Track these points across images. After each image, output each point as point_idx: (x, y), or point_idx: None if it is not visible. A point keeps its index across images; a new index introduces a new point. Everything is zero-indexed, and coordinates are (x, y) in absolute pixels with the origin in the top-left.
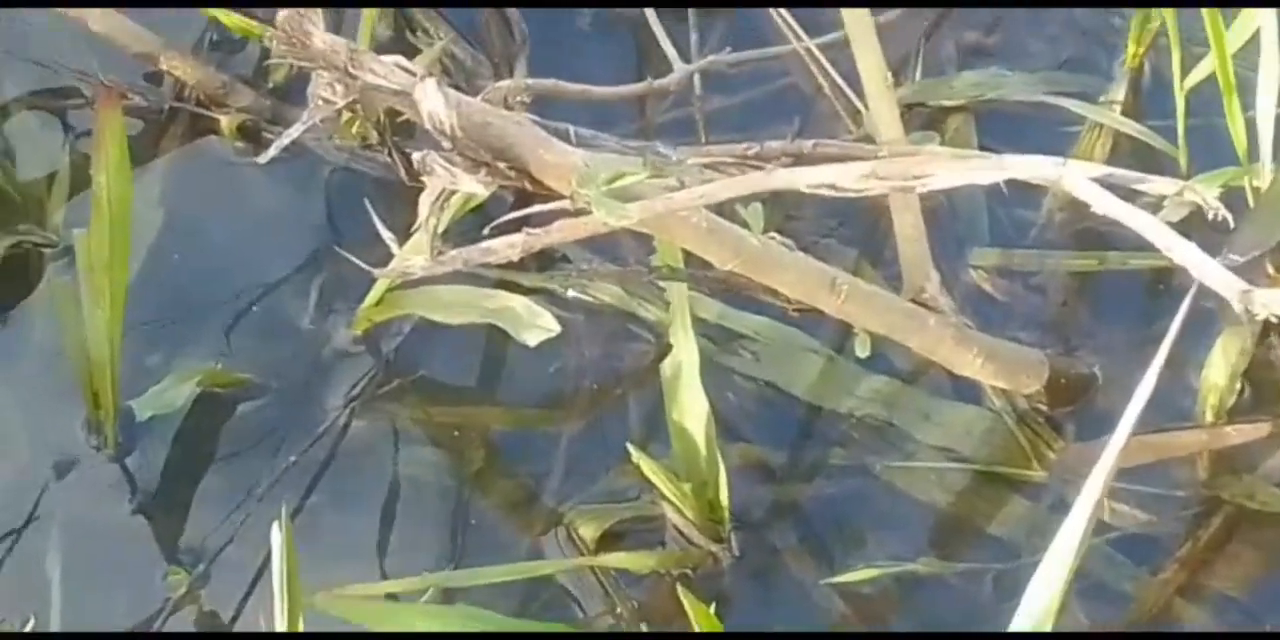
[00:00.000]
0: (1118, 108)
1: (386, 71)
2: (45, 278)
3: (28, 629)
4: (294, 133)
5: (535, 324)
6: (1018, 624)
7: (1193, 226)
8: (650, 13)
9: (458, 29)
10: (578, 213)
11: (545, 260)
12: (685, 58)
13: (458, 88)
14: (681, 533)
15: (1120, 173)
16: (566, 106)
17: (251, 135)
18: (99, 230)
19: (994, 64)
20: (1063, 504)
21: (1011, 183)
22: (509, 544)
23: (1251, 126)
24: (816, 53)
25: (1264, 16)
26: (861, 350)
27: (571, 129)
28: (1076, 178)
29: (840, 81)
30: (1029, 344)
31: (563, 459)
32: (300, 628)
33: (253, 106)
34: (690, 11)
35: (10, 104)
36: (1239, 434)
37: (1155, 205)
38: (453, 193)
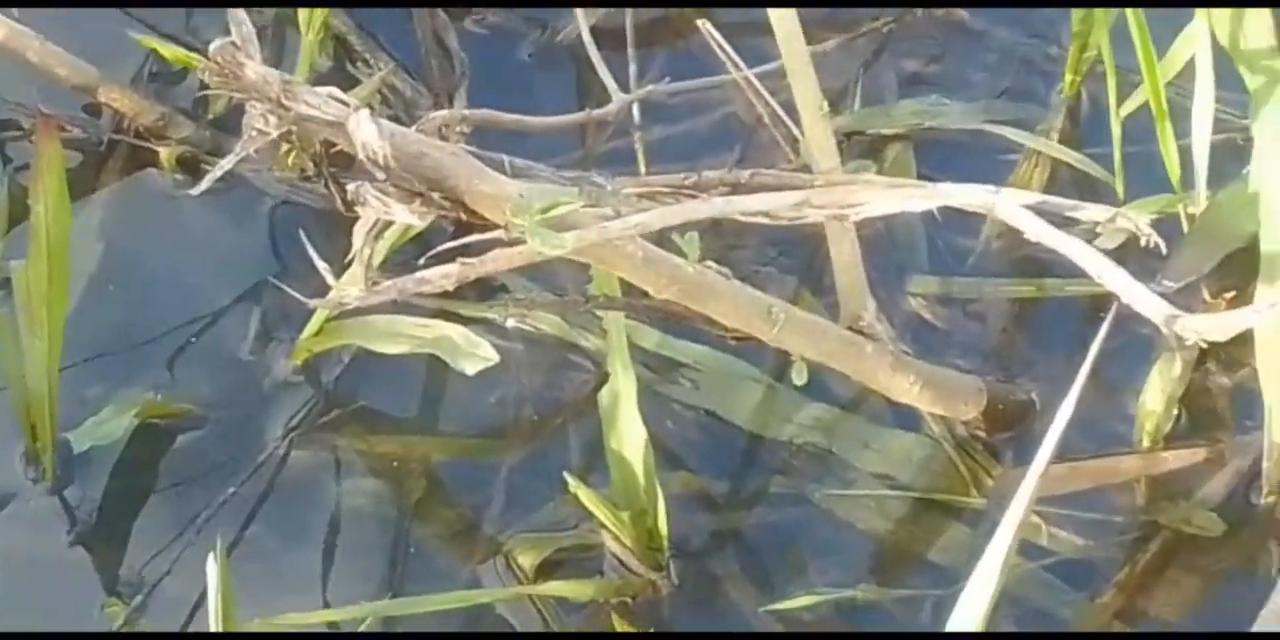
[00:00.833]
0: (1056, 136)
1: (320, 102)
2: None
3: None
4: (227, 164)
5: (473, 353)
6: None
7: (1130, 253)
8: (590, 43)
9: (398, 60)
10: (513, 243)
11: (484, 290)
12: (625, 88)
13: (397, 119)
14: (620, 561)
15: (1053, 200)
16: (507, 138)
17: (191, 167)
18: (37, 262)
19: (933, 93)
20: None
21: (949, 211)
22: (448, 573)
23: (1187, 154)
24: (755, 82)
25: (1199, 46)
26: (798, 378)
27: (506, 159)
28: (1009, 205)
29: (779, 111)
30: (968, 371)
31: (502, 488)
32: None
33: (192, 138)
34: (630, 42)
35: None
36: (1176, 460)
37: (1094, 233)
38: (387, 223)
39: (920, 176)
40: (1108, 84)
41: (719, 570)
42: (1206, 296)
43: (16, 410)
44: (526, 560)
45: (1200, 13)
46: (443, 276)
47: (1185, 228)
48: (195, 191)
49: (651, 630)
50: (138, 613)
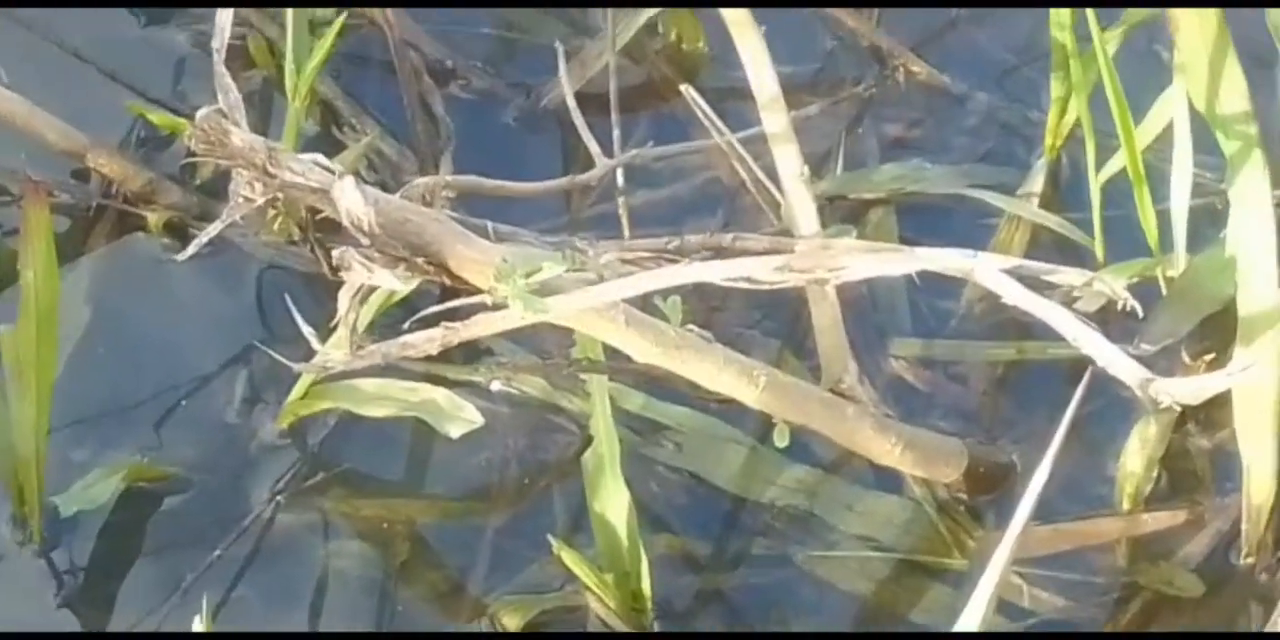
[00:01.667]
0: (1036, 200)
1: (304, 169)
2: None
3: None
4: (214, 230)
5: (458, 416)
6: None
7: (1110, 316)
8: (574, 108)
9: (384, 125)
10: (497, 307)
11: (470, 353)
12: (609, 153)
13: (383, 184)
14: (605, 623)
15: (1031, 264)
16: (493, 203)
17: (179, 232)
18: (26, 327)
19: (915, 157)
20: None
21: (931, 274)
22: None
23: (1166, 217)
24: (738, 147)
25: (1176, 111)
26: (780, 440)
27: (490, 225)
28: (988, 270)
29: (762, 175)
30: (950, 433)
31: (487, 550)
32: None
33: (180, 203)
34: (614, 107)
35: None
36: (1156, 521)
37: (1074, 296)
38: (372, 288)
39: (902, 240)
40: (1087, 148)
41: (702, 631)
42: (1186, 359)
43: (4, 474)
44: (512, 622)
45: (1178, 78)
46: (427, 341)
47: (1164, 291)
48: (182, 257)
49: None
50: None
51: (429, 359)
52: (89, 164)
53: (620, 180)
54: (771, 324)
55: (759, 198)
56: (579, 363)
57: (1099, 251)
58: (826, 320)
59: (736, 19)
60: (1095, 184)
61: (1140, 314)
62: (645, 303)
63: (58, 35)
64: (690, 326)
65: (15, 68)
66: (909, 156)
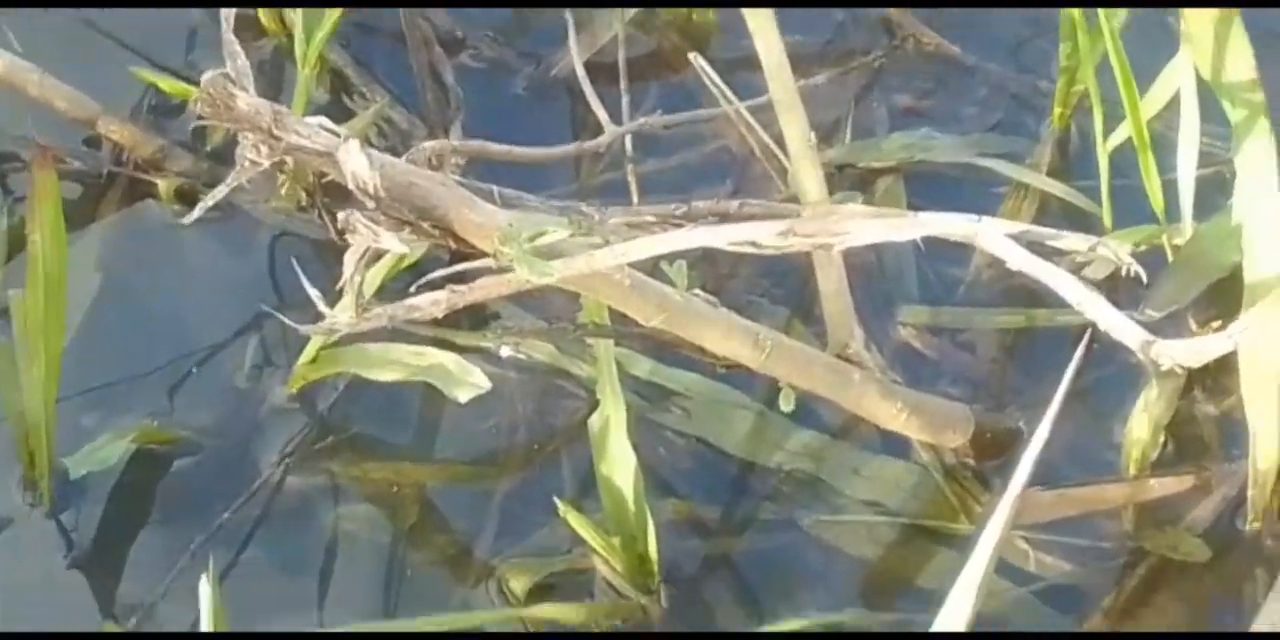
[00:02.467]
0: (1045, 168)
1: (310, 132)
2: None
3: None
4: (220, 193)
5: (466, 381)
6: None
7: (1117, 285)
8: (584, 77)
9: (394, 94)
10: (502, 271)
11: (477, 319)
12: (618, 121)
13: (393, 150)
14: (611, 585)
15: (1035, 229)
16: (502, 171)
17: (189, 199)
18: (35, 291)
19: (924, 126)
20: None
21: (938, 241)
22: (441, 597)
23: (1172, 186)
24: (746, 115)
25: (1183, 80)
26: (786, 405)
27: (496, 189)
28: (992, 235)
29: (770, 143)
30: (958, 400)
31: (495, 514)
32: None
33: (190, 170)
34: (623, 75)
35: None
36: (1162, 487)
37: (1081, 264)
38: (378, 252)
39: (911, 208)
40: (1095, 118)
41: (709, 595)
42: (1193, 326)
43: (14, 438)
44: (519, 584)
45: (1185, 47)
46: (432, 303)
47: (1170, 259)
48: (188, 220)
49: None
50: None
51: (436, 324)
52: (100, 131)
53: (629, 148)
54: (778, 292)
55: (768, 166)
56: (585, 327)
57: (1106, 220)
58: (832, 286)
59: None
60: (1103, 153)
61: (1145, 280)
62: (652, 269)
63: (69, 5)
64: (696, 291)
65: (27, 37)
66: (918, 126)
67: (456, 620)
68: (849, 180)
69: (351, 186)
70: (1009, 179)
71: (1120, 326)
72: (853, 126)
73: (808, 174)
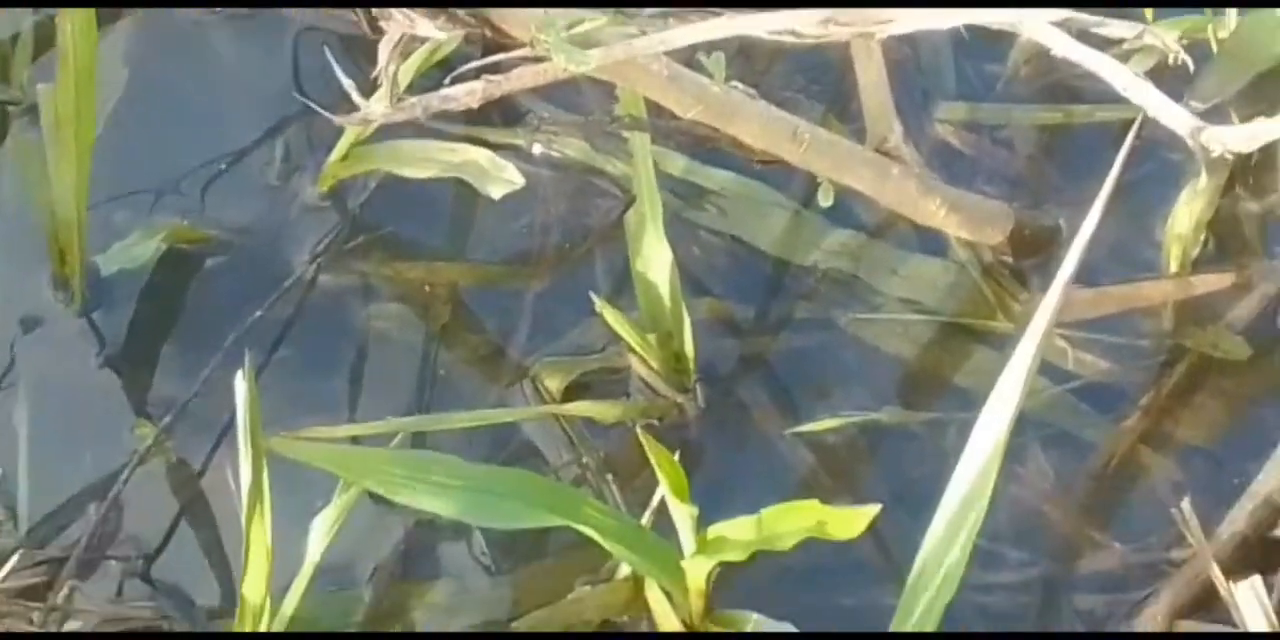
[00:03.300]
0: None
1: None
2: (10, 135)
3: None
4: None
5: (500, 177)
6: (965, 465)
7: (1160, 79)
8: None
9: None
10: (538, 61)
11: (510, 115)
12: None
13: None
14: (647, 384)
15: (1080, 16)
16: None
17: None
18: (65, 85)
19: None
20: None
21: (977, 36)
22: (475, 396)
23: None
24: None
25: None
26: (825, 199)
27: None
28: (1036, 21)
29: None
30: (996, 197)
31: (529, 313)
32: (265, 477)
33: None
34: None
35: None
36: (1203, 284)
37: (1122, 59)
38: (412, 41)
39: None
40: None
41: (744, 393)
42: (1235, 119)
43: (45, 235)
44: (553, 383)
45: None
46: (468, 93)
47: (1214, 50)
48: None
49: (678, 452)
50: (166, 433)
51: (469, 121)
52: None
53: None
54: (816, 88)
55: None
56: (621, 119)
57: (1149, 13)
58: (872, 77)
59: None
60: None
61: (1191, 67)
62: (689, 64)
63: None
64: (735, 83)
65: None
66: None
67: (491, 416)
68: None
69: None
70: None
71: (1170, 113)
72: None
73: None
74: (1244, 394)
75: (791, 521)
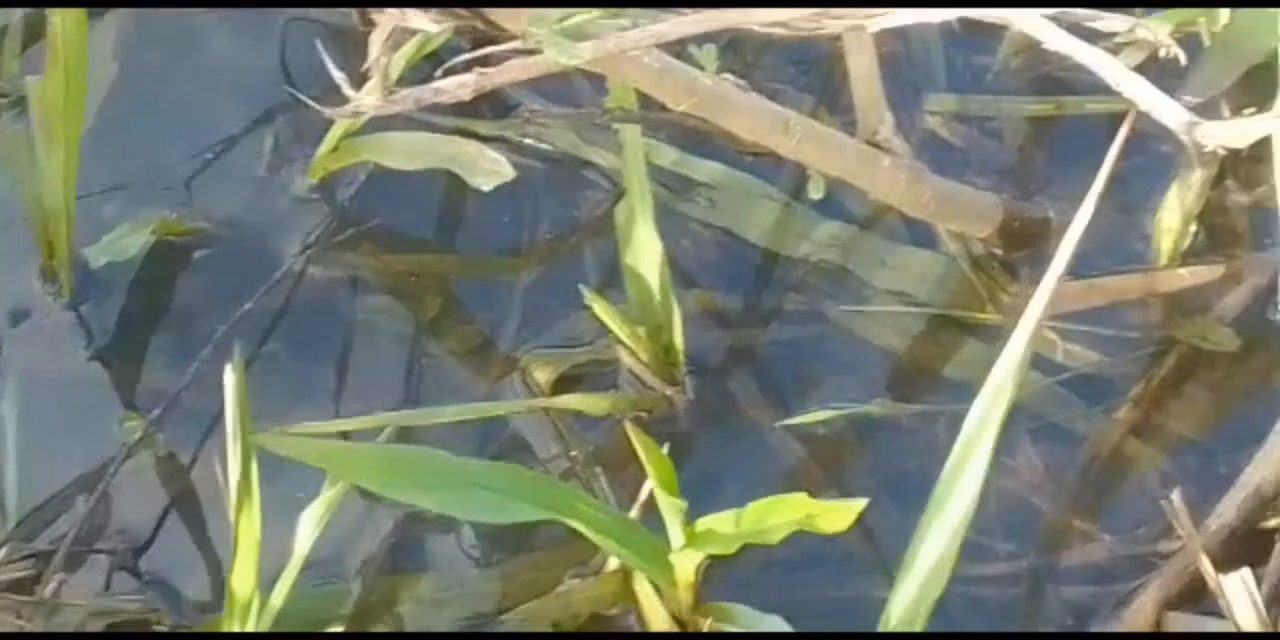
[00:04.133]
0: None
1: None
2: None
3: None
4: None
5: (490, 169)
6: (955, 458)
7: (1149, 73)
8: None
9: None
10: (530, 53)
11: (501, 108)
12: None
13: None
14: (636, 376)
15: (1073, 11)
16: None
17: None
18: (54, 76)
19: None
20: None
21: (968, 28)
22: (465, 389)
23: None
24: None
25: None
26: (815, 191)
27: None
28: (1028, 15)
29: None
30: (986, 189)
31: (518, 305)
32: (254, 470)
33: None
34: None
35: None
36: (1192, 276)
37: (1114, 52)
38: (404, 34)
39: None
40: None
41: (734, 386)
42: (1227, 113)
43: (34, 227)
44: (543, 376)
45: None
46: (459, 86)
47: (1206, 44)
48: None
49: (667, 444)
50: (155, 426)
51: (459, 114)
52: None
53: None
54: (807, 80)
55: None
56: (612, 112)
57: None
58: (863, 69)
59: None
60: None
61: (1183, 61)
62: (680, 56)
63: None
64: (726, 75)
65: None
66: None
67: (480, 410)
68: None
69: None
70: None
71: (1161, 107)
72: None
73: None
74: (1233, 386)
75: (780, 515)
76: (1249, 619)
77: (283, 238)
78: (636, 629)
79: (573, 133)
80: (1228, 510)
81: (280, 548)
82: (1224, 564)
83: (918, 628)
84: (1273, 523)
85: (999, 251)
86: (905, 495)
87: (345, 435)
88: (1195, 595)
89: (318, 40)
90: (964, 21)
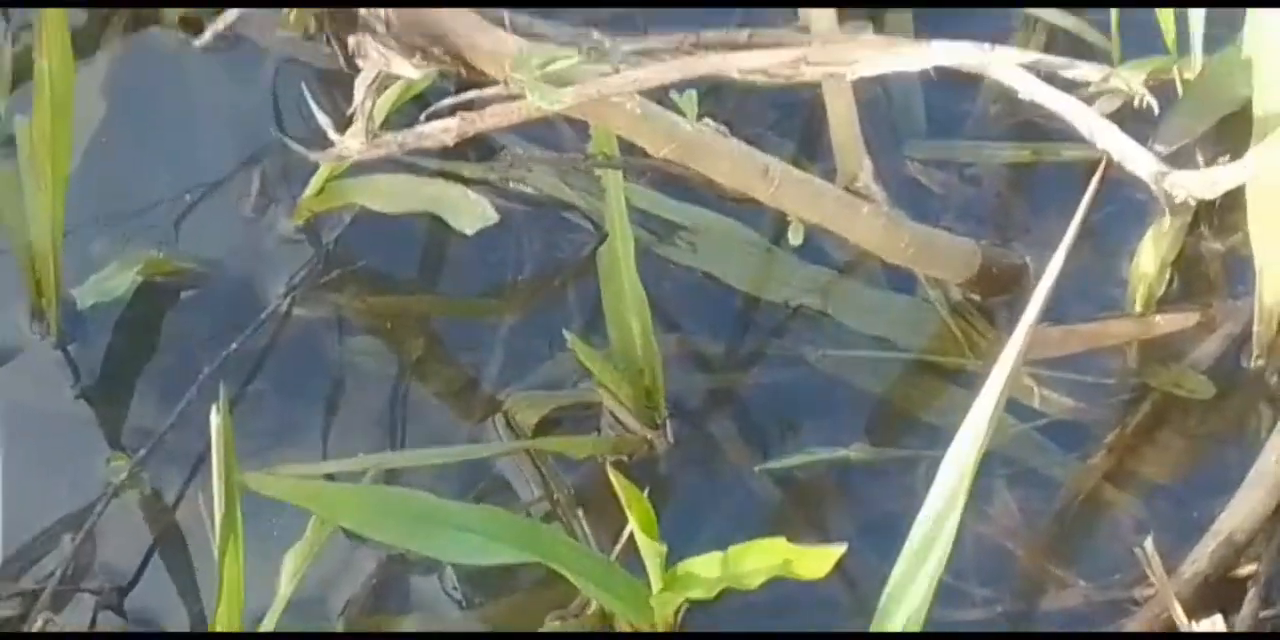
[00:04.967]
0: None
1: None
2: None
3: None
4: (229, 18)
5: (473, 212)
6: (930, 504)
7: (1125, 121)
8: None
9: None
10: (513, 98)
11: (484, 151)
12: None
13: None
14: (618, 419)
15: (1048, 58)
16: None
17: (196, 26)
18: (41, 116)
19: None
20: None
21: (946, 75)
22: (448, 431)
23: (1184, 19)
24: None
25: None
26: (794, 238)
27: (507, 15)
28: (1003, 63)
29: None
30: (964, 235)
31: (501, 347)
32: (238, 510)
33: None
34: None
35: None
36: (1168, 323)
37: (1090, 100)
38: (389, 78)
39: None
40: None
41: (715, 429)
42: (1201, 161)
43: (21, 266)
44: (525, 418)
45: None
46: (443, 130)
47: (1180, 93)
48: (198, 43)
49: (648, 488)
50: (141, 465)
51: (443, 158)
52: None
53: None
54: (787, 126)
55: None
56: (594, 158)
57: (1115, 53)
58: (842, 115)
59: None
60: None
61: (1156, 110)
62: (661, 101)
63: None
64: (706, 121)
65: None
66: None
67: (463, 453)
68: (859, 12)
69: (362, 11)
70: (1017, 12)
71: (1134, 156)
72: None
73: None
74: (1207, 433)
75: (758, 560)
76: None
77: (268, 278)
78: None
79: (556, 176)
80: (1201, 557)
81: (264, 587)
82: (1196, 610)
83: None
84: (1245, 570)
85: (977, 297)
86: (884, 539)
87: (329, 476)
88: None
89: (303, 83)
90: (941, 70)
